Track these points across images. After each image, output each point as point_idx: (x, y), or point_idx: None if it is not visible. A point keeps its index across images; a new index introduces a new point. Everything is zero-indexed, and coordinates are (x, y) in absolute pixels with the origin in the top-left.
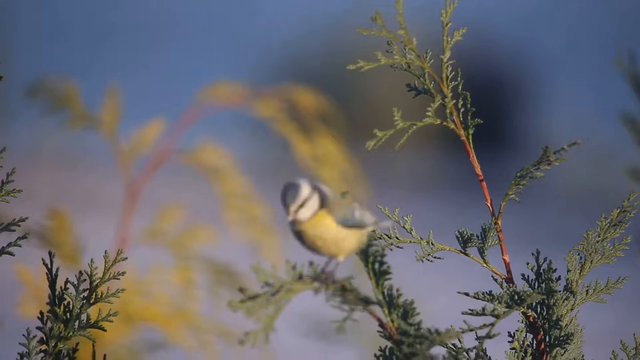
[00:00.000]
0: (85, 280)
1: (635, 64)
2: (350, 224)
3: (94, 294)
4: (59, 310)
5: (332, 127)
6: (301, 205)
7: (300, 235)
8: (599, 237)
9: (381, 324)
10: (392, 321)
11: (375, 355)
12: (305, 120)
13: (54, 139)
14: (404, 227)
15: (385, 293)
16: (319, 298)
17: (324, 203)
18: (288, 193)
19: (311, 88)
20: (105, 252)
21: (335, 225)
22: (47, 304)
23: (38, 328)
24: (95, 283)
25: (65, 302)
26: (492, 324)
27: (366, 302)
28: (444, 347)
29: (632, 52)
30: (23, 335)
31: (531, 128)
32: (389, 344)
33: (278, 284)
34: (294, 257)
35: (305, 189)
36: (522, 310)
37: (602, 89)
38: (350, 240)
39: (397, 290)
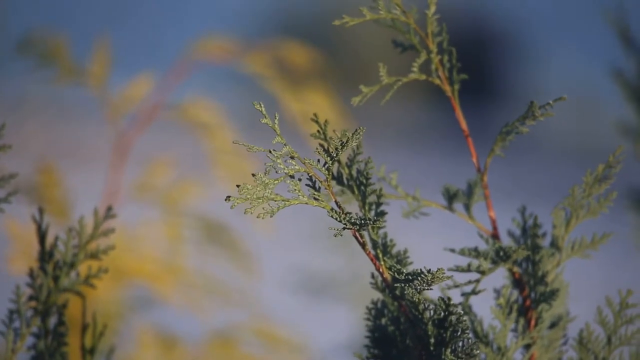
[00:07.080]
0: (75, 237)
1: (622, 17)
2: None
3: (84, 251)
4: (48, 266)
5: (325, 83)
6: None
7: None
8: (585, 192)
9: (373, 262)
10: (384, 261)
11: (367, 307)
12: (295, 77)
13: (42, 93)
14: (389, 183)
15: (379, 242)
16: (309, 252)
17: None
18: None
19: (302, 43)
20: (95, 209)
21: None
22: (37, 260)
23: (28, 285)
24: (84, 241)
25: (55, 259)
26: (478, 280)
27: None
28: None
29: (619, 5)
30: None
31: (518, 82)
32: (381, 297)
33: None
34: (287, 210)
35: None
36: (508, 266)
37: (592, 42)
38: None
39: (391, 240)
